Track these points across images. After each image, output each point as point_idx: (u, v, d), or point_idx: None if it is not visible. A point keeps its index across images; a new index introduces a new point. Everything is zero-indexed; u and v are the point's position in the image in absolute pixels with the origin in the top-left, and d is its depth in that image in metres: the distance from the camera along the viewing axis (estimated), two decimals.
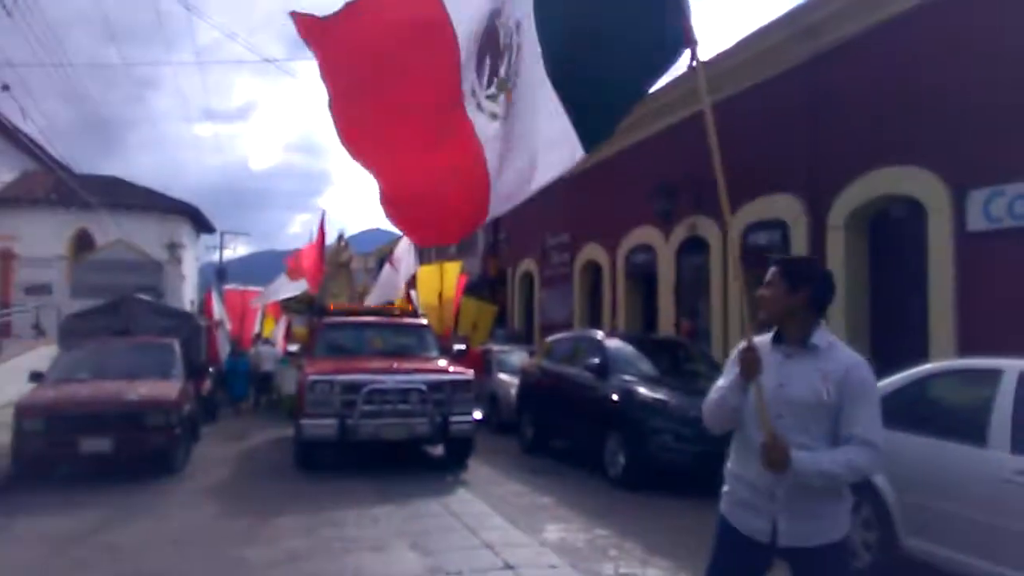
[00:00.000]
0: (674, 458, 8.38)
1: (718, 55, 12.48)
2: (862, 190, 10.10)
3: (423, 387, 9.37)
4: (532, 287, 21.50)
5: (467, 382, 9.83)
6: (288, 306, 19.91)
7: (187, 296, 27.98)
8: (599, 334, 11.03)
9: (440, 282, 17.17)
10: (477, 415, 9.90)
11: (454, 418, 9.43)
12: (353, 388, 9.18)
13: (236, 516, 7.41)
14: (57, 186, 25.36)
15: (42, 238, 24.58)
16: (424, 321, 12.64)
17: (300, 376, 10.06)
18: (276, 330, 22.84)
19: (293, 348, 12.42)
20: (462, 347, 11.87)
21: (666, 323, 14.28)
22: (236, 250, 48.64)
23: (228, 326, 20.70)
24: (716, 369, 10.50)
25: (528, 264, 21.58)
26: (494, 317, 20.61)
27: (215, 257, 44.78)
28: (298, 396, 9.83)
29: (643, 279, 15.79)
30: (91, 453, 8.71)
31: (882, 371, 6.50)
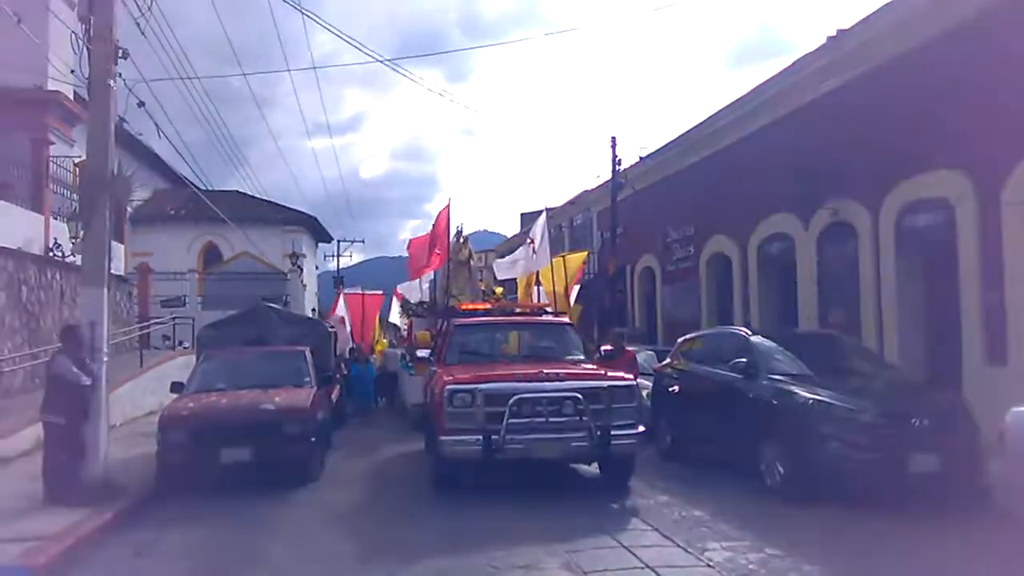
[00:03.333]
0: (843, 467, 7.54)
1: (871, 15, 11.48)
2: None
3: (579, 396, 8.09)
4: (654, 284, 20.75)
5: (630, 388, 8.47)
6: (408, 309, 19.79)
7: (308, 304, 28.75)
8: (744, 331, 10.24)
9: (565, 273, 16.13)
10: (641, 428, 8.48)
11: (616, 432, 8.08)
12: (498, 399, 7.98)
13: (379, 531, 7.20)
14: (186, 202, 26.57)
15: (174, 253, 25.94)
16: (566, 319, 11.45)
17: (433, 385, 9.12)
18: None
19: (422, 353, 11.22)
20: (609, 348, 10.73)
21: (808, 317, 13.28)
22: (352, 257, 49.68)
23: (349, 331, 20.84)
24: (876, 365, 9.58)
25: (648, 260, 20.85)
26: (577, 317, 19.47)
27: (331, 265, 46.04)
28: (434, 408, 8.68)
29: (779, 270, 14.81)
30: (231, 463, 8.72)
31: None
